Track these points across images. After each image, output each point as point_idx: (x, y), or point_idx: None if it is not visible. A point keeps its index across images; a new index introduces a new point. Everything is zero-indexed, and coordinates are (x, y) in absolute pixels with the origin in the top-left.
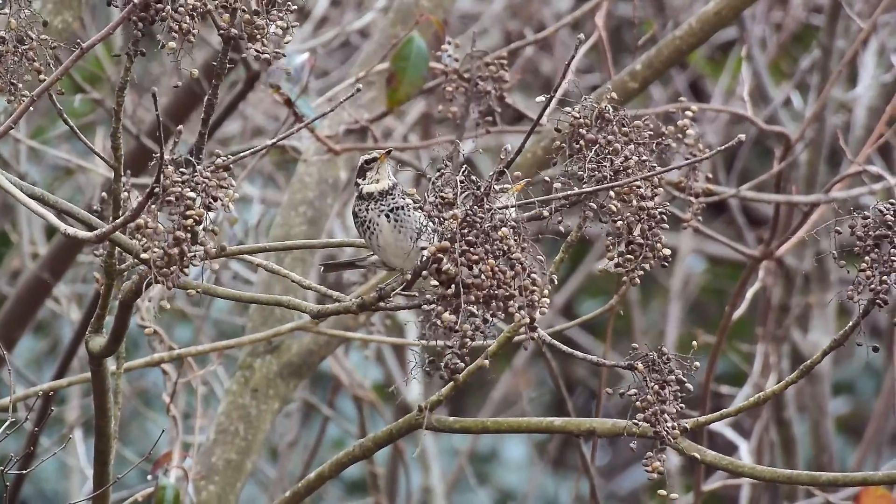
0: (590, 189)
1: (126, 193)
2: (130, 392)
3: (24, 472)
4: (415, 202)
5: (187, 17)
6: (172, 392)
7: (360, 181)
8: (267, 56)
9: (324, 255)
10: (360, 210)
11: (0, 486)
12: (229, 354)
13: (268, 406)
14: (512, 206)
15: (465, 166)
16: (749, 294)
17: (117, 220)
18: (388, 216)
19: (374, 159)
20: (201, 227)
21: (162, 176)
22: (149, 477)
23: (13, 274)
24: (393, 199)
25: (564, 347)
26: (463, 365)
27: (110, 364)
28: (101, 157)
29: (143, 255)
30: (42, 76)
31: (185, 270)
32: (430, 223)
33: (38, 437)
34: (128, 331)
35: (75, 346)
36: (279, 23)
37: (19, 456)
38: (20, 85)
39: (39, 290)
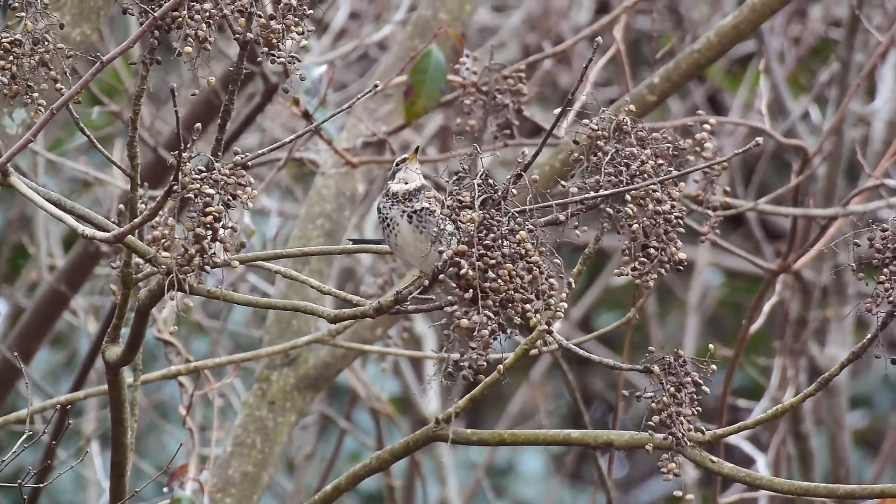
0: (607, 192)
1: (143, 204)
2: (147, 404)
3: (41, 485)
4: (431, 204)
5: (203, 24)
6: (189, 404)
7: (389, 182)
8: (283, 60)
9: (341, 269)
10: (383, 206)
11: (17, 499)
12: (246, 367)
13: (285, 418)
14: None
15: (483, 171)
16: (766, 307)
17: (135, 220)
18: (410, 217)
19: (405, 160)
20: (220, 224)
21: (180, 173)
22: (165, 489)
23: (31, 286)
24: (418, 201)
25: (580, 351)
26: (486, 363)
27: (127, 376)
28: (119, 167)
29: (164, 254)
30: (59, 85)
31: (207, 268)
32: (451, 227)
33: (55, 450)
34: (144, 343)
35: (92, 359)
36: (295, 28)
37: (36, 469)
38: (36, 94)
39: (57, 303)
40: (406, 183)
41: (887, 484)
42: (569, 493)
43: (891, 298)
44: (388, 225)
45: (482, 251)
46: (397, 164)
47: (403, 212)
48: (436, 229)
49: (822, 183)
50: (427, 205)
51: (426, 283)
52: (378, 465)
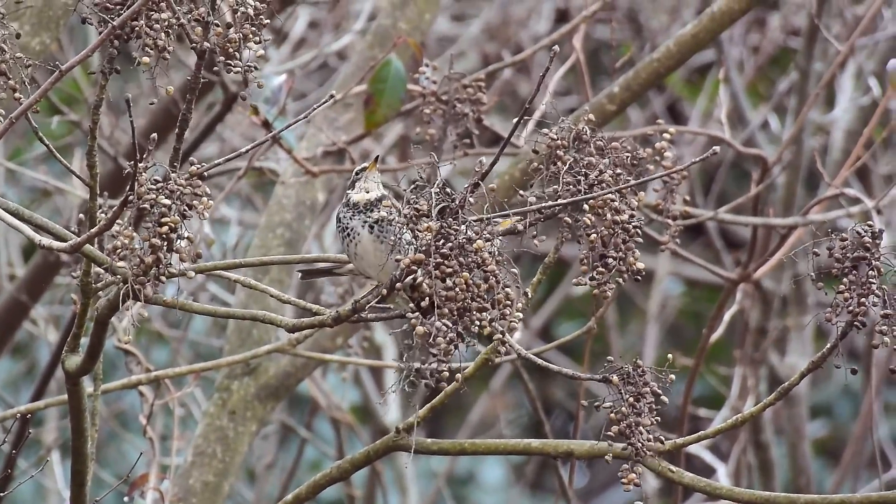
0: (564, 201)
1: (102, 213)
2: (108, 414)
3: (1, 494)
4: (390, 213)
5: (162, 33)
6: (149, 414)
7: (349, 191)
8: (239, 70)
9: None
10: (343, 216)
11: None
12: (207, 376)
13: (245, 428)
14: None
15: (441, 180)
16: (727, 317)
17: (90, 231)
18: (371, 227)
19: (365, 169)
20: (176, 235)
21: (136, 184)
22: (125, 499)
23: None
24: (379, 210)
25: (539, 360)
26: (448, 373)
27: (88, 386)
28: (78, 177)
29: (120, 264)
30: (17, 95)
31: (162, 278)
32: (409, 236)
33: (16, 460)
34: (105, 352)
35: (53, 368)
36: (253, 37)
37: None
38: None
39: (17, 312)
40: (367, 192)
41: (847, 493)
42: (529, 502)
43: (850, 308)
44: (349, 234)
45: (439, 260)
46: (357, 174)
47: (365, 222)
48: (394, 238)
49: (781, 192)
50: (386, 215)
51: (384, 292)
52: (339, 474)
